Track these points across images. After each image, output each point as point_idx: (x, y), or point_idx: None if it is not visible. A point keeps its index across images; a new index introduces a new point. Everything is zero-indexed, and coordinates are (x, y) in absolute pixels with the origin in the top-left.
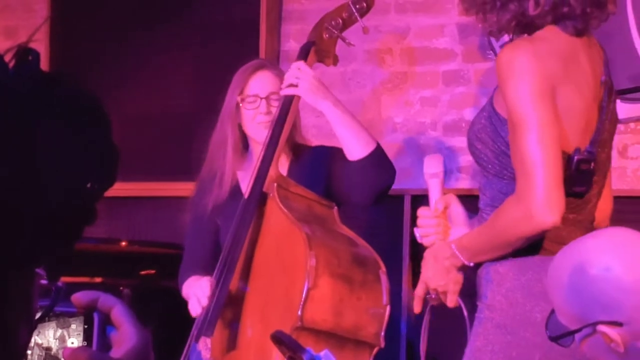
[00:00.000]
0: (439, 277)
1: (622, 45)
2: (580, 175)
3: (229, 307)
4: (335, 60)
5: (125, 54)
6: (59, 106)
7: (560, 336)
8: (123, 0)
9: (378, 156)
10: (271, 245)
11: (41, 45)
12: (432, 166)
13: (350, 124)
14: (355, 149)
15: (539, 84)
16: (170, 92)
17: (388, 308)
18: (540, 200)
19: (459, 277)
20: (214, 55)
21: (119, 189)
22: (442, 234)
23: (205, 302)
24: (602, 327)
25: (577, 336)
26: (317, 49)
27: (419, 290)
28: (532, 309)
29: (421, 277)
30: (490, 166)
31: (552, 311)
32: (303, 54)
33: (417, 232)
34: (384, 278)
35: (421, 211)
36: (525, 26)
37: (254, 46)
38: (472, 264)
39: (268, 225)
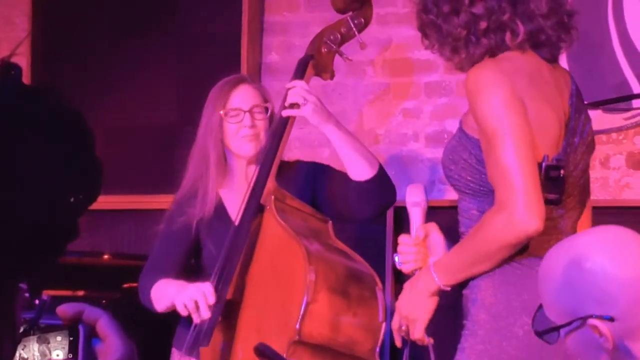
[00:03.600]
0: (409, 304)
1: (604, 56)
2: (551, 182)
3: (223, 319)
4: (332, 75)
5: (106, 67)
6: (41, 120)
7: (546, 330)
8: (104, 14)
9: (382, 176)
10: (268, 258)
11: (23, 59)
12: (414, 195)
13: (354, 146)
14: (361, 170)
15: (508, 95)
16: (152, 105)
17: (384, 325)
18: (522, 207)
19: (430, 305)
20: (196, 68)
21: (102, 201)
22: (422, 262)
23: (207, 313)
24: (593, 321)
25: (563, 331)
26: (315, 63)
27: (394, 323)
28: (515, 322)
29: (396, 307)
30: (465, 186)
31: (540, 306)
32: (300, 70)
33: (397, 259)
34: (380, 295)
35: (402, 238)
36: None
37: (235, 58)
38: (448, 288)
39: (264, 237)
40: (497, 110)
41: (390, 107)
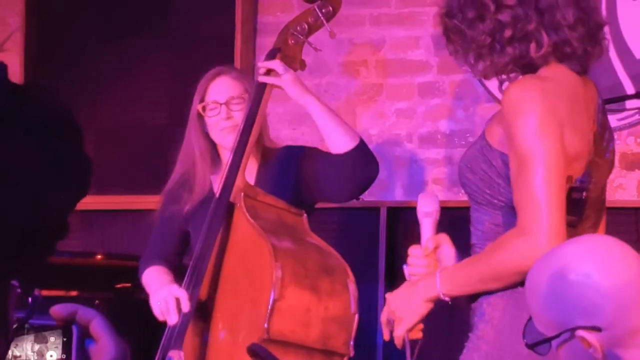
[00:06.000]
0: (400, 299)
1: None
2: (572, 204)
3: (198, 318)
4: (302, 65)
5: (99, 67)
6: (30, 118)
7: (537, 343)
8: (97, 13)
9: (363, 150)
10: (238, 257)
11: (15, 58)
12: (426, 205)
13: (334, 119)
14: (341, 142)
15: (548, 120)
16: (145, 105)
17: (356, 317)
18: (545, 236)
19: (421, 309)
20: (189, 69)
21: (95, 202)
22: None
23: (175, 318)
24: (581, 332)
25: (554, 342)
26: (283, 55)
27: (382, 315)
28: (519, 340)
29: (386, 298)
30: (481, 197)
31: (530, 318)
32: (269, 60)
33: (407, 271)
34: (352, 286)
35: (412, 250)
36: (524, 66)
37: (229, 59)
38: (447, 299)
39: (235, 236)
40: (534, 133)
41: (383, 107)
